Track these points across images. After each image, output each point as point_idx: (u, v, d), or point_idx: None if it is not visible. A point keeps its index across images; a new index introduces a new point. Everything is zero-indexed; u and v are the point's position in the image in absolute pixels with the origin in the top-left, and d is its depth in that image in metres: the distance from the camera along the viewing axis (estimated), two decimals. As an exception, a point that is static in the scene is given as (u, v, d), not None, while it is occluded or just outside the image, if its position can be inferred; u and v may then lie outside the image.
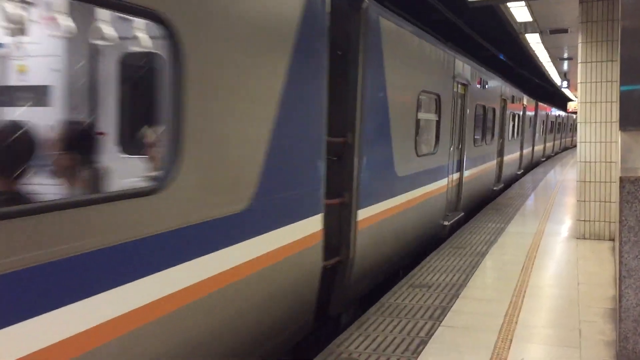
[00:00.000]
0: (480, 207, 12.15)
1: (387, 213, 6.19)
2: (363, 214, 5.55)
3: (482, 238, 8.91)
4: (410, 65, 7.16)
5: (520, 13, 10.46)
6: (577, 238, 8.86)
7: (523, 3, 9.38)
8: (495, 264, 7.37)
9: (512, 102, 16.10)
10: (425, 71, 7.93)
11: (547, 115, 27.45)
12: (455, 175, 9.79)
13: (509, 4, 9.99)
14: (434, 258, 7.66)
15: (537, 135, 23.18)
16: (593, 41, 8.63)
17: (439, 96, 8.41)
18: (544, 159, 27.48)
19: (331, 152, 5.03)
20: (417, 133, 7.42)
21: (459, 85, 9.79)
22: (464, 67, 9.98)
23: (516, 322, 5.19)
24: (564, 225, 10.23)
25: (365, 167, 5.56)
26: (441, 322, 5.22)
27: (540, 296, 6.05)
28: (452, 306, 5.66)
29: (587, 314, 5.43)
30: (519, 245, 8.40)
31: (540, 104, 23.94)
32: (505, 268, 7.15)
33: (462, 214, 10.05)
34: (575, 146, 35.22)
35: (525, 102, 19.25)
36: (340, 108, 5.13)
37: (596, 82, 8.62)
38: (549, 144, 29.55)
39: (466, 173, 10.40)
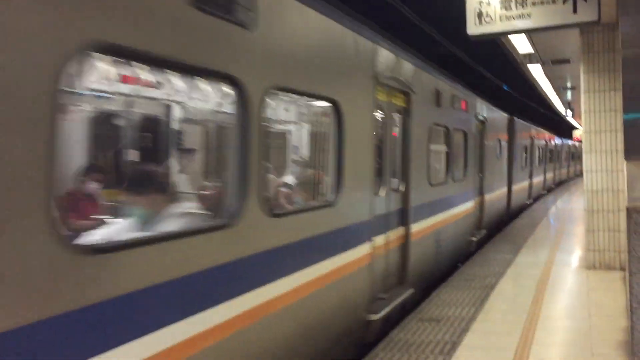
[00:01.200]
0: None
1: None
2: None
3: (492, 270, 8.82)
4: None
5: (522, 45, 10.55)
6: (587, 268, 8.76)
7: (524, 35, 9.47)
8: (505, 296, 7.28)
9: (437, 102, 8.02)
10: None
11: (532, 140, 20.19)
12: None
13: (510, 37, 10.09)
14: (443, 290, 7.58)
15: (513, 170, 16.04)
16: (595, 71, 8.68)
17: None
18: (531, 201, 19.94)
19: None
20: None
21: None
22: None
23: (528, 357, 5.10)
24: (574, 255, 10.13)
25: None
26: (451, 357, 5.14)
27: (552, 329, 5.95)
28: (462, 341, 5.57)
29: (600, 347, 5.33)
30: (529, 277, 8.31)
31: (518, 121, 16.82)
32: (516, 300, 7.07)
33: None
34: (571, 178, 29.44)
35: (481, 112, 11.41)
36: None
37: (600, 111, 8.64)
38: (537, 180, 21.58)
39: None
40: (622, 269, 8.43)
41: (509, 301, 7.06)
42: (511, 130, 15.94)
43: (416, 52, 9.11)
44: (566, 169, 35.03)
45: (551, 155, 26.72)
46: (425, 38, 16.68)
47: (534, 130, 21.03)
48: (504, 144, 14.87)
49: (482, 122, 11.76)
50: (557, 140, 29.23)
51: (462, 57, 19.75)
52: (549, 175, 26.18)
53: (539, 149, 22.20)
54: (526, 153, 18.77)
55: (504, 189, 14.92)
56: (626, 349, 5.16)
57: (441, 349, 5.34)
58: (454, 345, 5.43)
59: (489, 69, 23.74)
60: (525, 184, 18.72)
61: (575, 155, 39.64)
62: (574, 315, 6.45)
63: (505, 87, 28.63)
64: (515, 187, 16.50)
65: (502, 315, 6.50)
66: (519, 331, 5.82)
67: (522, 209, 17.96)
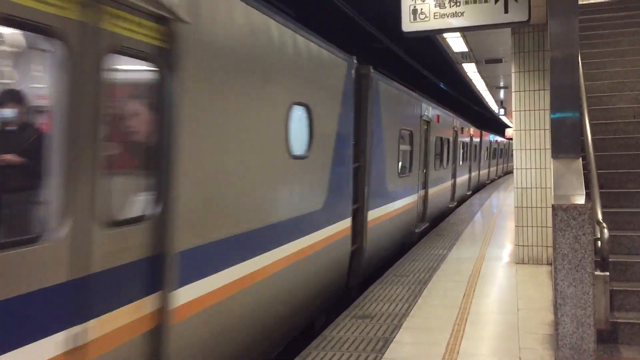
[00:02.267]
0: None
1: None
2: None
3: (425, 265, 8.93)
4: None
5: (456, 43, 10.73)
6: (517, 263, 9.00)
7: (458, 34, 9.62)
8: (437, 292, 7.36)
9: None
10: None
11: (428, 128, 13.22)
12: None
13: (446, 36, 10.24)
14: (377, 287, 7.61)
15: (371, 182, 8.52)
16: (525, 71, 8.90)
17: None
18: (425, 226, 12.98)
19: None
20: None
21: None
22: None
23: (458, 352, 5.15)
24: (504, 250, 10.40)
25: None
26: (383, 354, 5.13)
27: (482, 323, 6.06)
28: (394, 337, 5.59)
29: (527, 341, 5.45)
30: (460, 272, 8.46)
31: (381, 81, 9.11)
32: (447, 295, 7.16)
33: None
34: (487, 183, 25.59)
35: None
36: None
37: (529, 110, 8.87)
38: (435, 190, 14.34)
39: None
40: (549, 263, 8.71)
41: (441, 296, 7.15)
42: (362, 95, 8.16)
43: (353, 46, 9.06)
44: (486, 169, 28.67)
45: (465, 153, 20.47)
46: (363, 33, 16.75)
47: (431, 109, 13.60)
48: (335, 123, 7.13)
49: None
50: (475, 138, 23.51)
51: (400, 54, 19.97)
52: (462, 178, 19.58)
53: (442, 143, 15.45)
54: (412, 146, 11.68)
55: (335, 228, 7.13)
56: (551, 342, 5.29)
57: (373, 346, 5.33)
58: (386, 342, 5.44)
59: (427, 67, 24.13)
60: (393, 207, 10.11)
61: (498, 153, 35.94)
62: (503, 309, 6.59)
63: (442, 85, 29.20)
64: (377, 214, 8.96)
65: (434, 310, 6.56)
66: (450, 326, 5.88)
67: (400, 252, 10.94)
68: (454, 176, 17.39)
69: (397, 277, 8.16)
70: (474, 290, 7.36)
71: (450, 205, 17.12)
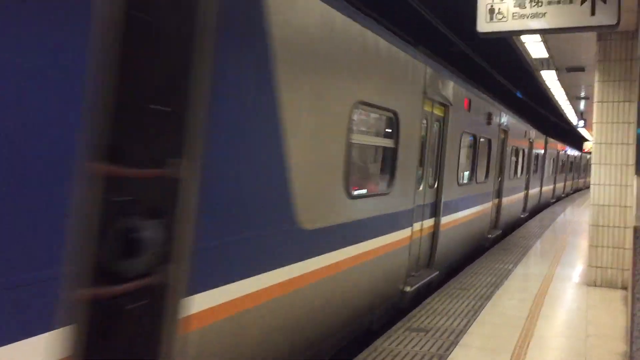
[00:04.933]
0: None
1: None
2: None
3: (488, 280, 8.49)
4: None
5: (536, 49, 10.18)
6: (588, 285, 8.42)
7: (539, 38, 9.10)
8: (499, 310, 6.95)
9: None
10: None
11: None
12: None
13: (525, 41, 9.73)
14: (435, 299, 7.27)
15: None
16: (610, 80, 8.31)
17: None
18: None
19: None
20: None
21: None
22: None
23: (517, 377, 4.79)
24: (575, 270, 9.78)
25: None
26: (436, 372, 4.83)
27: (546, 348, 5.63)
28: (449, 355, 5.26)
29: (596, 372, 5.01)
30: (525, 290, 7.98)
31: None
32: (510, 314, 6.74)
33: None
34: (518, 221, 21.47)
35: None
36: None
37: (612, 122, 8.28)
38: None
39: None
40: (624, 287, 8.09)
41: (503, 315, 6.74)
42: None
43: (430, 50, 8.76)
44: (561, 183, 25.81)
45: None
46: (436, 35, 16.32)
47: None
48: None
49: None
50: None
51: (475, 59, 19.34)
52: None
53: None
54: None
55: None
56: (623, 376, 4.84)
57: (426, 363, 5.03)
58: (440, 359, 5.13)
59: (502, 74, 23.30)
60: None
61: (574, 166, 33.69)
62: (571, 334, 6.12)
63: (518, 95, 28.18)
64: None
65: (494, 329, 6.18)
66: (510, 348, 5.50)
67: None
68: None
69: (457, 290, 7.79)
70: (540, 311, 6.90)
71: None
